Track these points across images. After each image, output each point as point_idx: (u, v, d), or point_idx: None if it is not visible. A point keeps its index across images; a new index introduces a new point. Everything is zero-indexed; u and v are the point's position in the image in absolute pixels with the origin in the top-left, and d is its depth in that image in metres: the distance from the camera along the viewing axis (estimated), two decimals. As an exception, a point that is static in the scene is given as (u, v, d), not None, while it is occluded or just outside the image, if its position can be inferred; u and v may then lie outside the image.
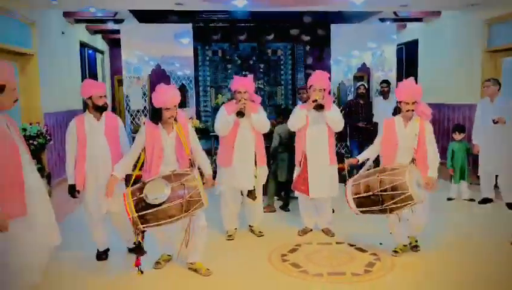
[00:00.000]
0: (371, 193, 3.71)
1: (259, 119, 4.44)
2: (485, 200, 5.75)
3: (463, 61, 7.51)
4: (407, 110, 3.91)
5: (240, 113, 4.31)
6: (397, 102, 4.05)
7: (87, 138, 3.87)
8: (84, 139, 3.87)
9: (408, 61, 9.73)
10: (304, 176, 4.50)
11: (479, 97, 6.72)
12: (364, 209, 3.82)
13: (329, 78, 4.57)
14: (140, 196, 3.21)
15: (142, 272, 3.55)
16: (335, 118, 4.43)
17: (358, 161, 4.28)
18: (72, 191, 3.92)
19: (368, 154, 4.26)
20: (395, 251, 4.12)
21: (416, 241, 4.22)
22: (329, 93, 4.59)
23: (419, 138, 3.89)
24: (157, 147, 3.60)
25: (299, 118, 4.49)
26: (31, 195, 2.90)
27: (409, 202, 3.61)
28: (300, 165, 4.52)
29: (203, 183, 3.57)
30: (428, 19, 8.41)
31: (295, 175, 4.63)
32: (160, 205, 3.16)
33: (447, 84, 7.88)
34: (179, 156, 3.67)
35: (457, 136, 6.00)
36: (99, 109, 3.92)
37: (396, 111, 4.15)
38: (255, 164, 4.46)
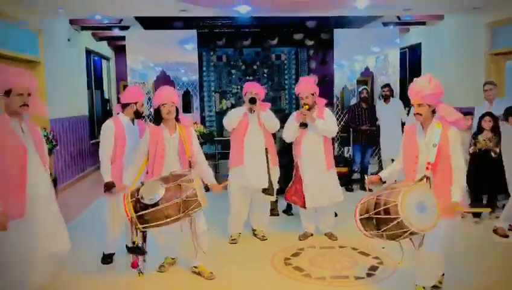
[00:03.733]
0: (367, 215, 3.06)
1: (269, 117, 4.51)
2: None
3: (466, 64, 7.52)
4: (414, 114, 3.22)
5: (252, 100, 4.37)
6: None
7: (126, 139, 4.00)
8: (124, 140, 4.00)
9: (411, 64, 9.75)
10: (295, 187, 4.56)
11: (482, 100, 6.72)
12: (369, 232, 3.13)
13: (315, 82, 4.61)
14: (138, 196, 3.27)
15: (141, 273, 3.53)
16: (325, 128, 4.42)
17: (380, 179, 3.46)
18: (111, 188, 3.93)
19: (392, 170, 3.52)
20: None
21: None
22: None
23: (439, 150, 3.09)
24: (159, 147, 3.67)
25: (291, 130, 4.53)
26: (35, 198, 2.97)
27: (405, 230, 2.89)
28: (293, 175, 4.59)
29: (209, 190, 3.64)
30: (431, 23, 8.43)
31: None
32: (157, 205, 3.20)
33: (451, 87, 7.85)
34: (181, 157, 3.73)
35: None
36: (139, 116, 4.16)
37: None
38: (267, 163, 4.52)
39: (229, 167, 4.65)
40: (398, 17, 8.27)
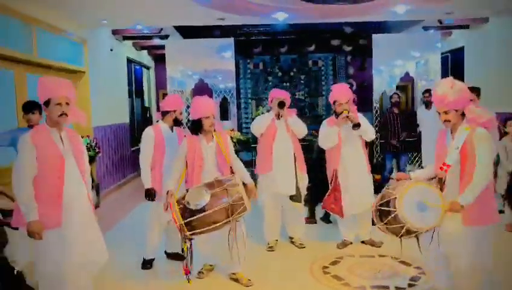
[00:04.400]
0: (374, 207, 3.14)
1: (296, 122, 4.52)
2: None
3: (513, 68, 7.21)
4: (443, 122, 3.05)
5: (281, 104, 4.41)
6: None
7: (166, 146, 4.09)
8: (163, 147, 4.09)
9: (454, 69, 9.45)
10: (334, 195, 4.45)
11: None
12: (378, 225, 3.15)
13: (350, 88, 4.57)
14: (184, 203, 3.30)
15: (189, 281, 3.52)
16: (367, 129, 4.40)
17: (410, 178, 3.29)
18: (152, 195, 4.03)
19: (424, 172, 3.34)
20: None
21: None
22: (354, 101, 4.51)
23: (465, 154, 2.90)
24: (198, 156, 3.71)
25: (331, 136, 4.39)
26: (71, 208, 3.00)
27: (401, 225, 2.88)
28: (331, 183, 4.48)
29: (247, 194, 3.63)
30: (475, 26, 8.15)
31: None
32: (204, 210, 3.22)
33: (496, 92, 7.57)
34: (220, 164, 3.76)
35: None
36: (178, 123, 4.24)
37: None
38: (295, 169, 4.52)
39: (257, 174, 4.64)
40: (440, 21, 8.04)
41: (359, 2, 5.81)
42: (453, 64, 9.48)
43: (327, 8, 6.14)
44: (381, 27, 8.24)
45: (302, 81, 9.76)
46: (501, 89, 7.44)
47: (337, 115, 4.35)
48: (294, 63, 9.69)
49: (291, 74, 9.72)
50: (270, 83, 9.62)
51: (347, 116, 4.26)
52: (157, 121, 4.29)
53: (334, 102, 4.40)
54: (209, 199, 3.23)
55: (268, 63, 9.64)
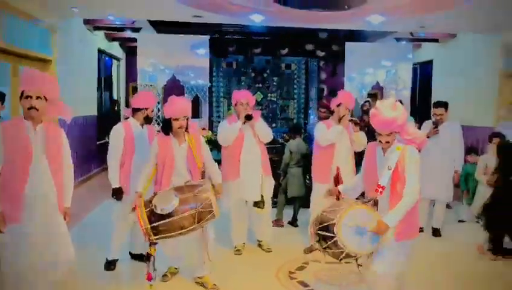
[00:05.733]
0: (313, 230, 3.05)
1: (263, 127, 4.49)
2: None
3: (478, 84, 7.47)
4: (382, 142, 2.97)
5: (248, 117, 4.34)
6: None
7: (135, 144, 3.97)
8: (133, 145, 3.97)
9: (422, 81, 9.72)
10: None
11: (492, 120, 6.69)
12: (318, 247, 3.04)
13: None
14: (152, 207, 3.22)
15: (151, 286, 3.39)
16: (363, 139, 4.53)
17: (339, 193, 3.39)
18: (120, 194, 3.93)
19: (353, 184, 3.40)
20: None
21: None
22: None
23: (396, 173, 2.90)
24: (169, 157, 3.60)
25: (336, 133, 4.42)
26: (33, 207, 2.89)
27: (342, 250, 2.84)
28: (335, 181, 4.30)
29: (216, 194, 3.57)
30: (444, 40, 8.40)
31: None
32: (172, 215, 3.15)
33: (461, 105, 7.84)
34: (191, 167, 3.66)
35: (471, 158, 5.99)
36: (148, 121, 4.13)
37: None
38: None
39: (223, 180, 4.36)
40: (411, 33, 8.25)
41: (335, 10, 5.86)
42: (421, 76, 9.74)
43: (303, 13, 6.16)
44: (355, 35, 8.37)
45: (274, 83, 9.77)
46: (466, 103, 7.70)
47: (340, 118, 4.47)
48: (267, 65, 9.70)
49: (265, 75, 9.73)
50: (243, 83, 9.58)
51: (352, 120, 4.46)
52: (127, 118, 4.17)
53: (339, 104, 4.48)
54: (177, 204, 3.15)
55: (241, 63, 9.60)
